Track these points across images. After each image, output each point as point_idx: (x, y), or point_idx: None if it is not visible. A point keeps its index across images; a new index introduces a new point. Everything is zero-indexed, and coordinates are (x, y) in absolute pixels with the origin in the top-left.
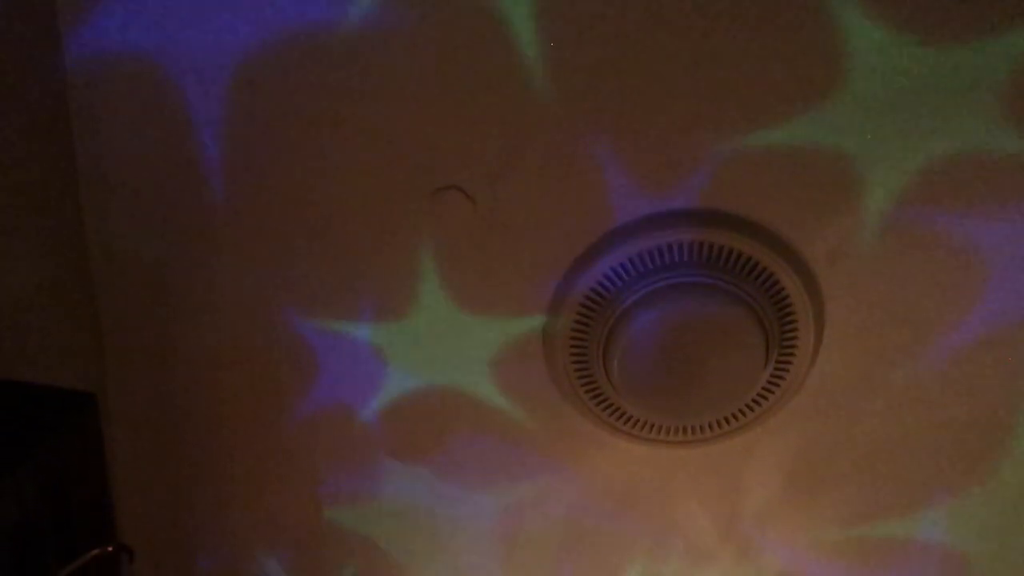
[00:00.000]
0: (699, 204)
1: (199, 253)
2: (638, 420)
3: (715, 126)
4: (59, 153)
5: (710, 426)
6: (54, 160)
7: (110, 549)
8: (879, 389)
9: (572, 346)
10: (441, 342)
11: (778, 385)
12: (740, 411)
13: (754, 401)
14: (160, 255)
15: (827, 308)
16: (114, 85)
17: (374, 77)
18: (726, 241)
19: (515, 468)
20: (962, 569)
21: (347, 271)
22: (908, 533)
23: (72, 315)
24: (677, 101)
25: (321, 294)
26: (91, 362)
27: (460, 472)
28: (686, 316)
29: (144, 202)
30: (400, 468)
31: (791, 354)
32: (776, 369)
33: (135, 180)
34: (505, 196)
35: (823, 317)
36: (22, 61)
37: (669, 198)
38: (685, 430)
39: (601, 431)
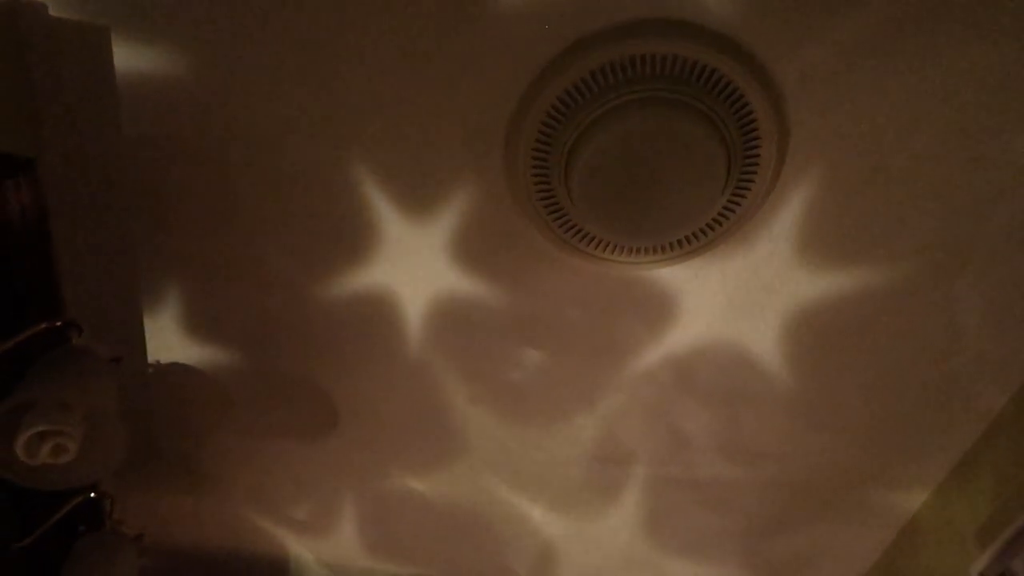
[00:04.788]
0: (669, 14)
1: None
2: (593, 238)
3: None
4: None
5: (663, 248)
6: None
7: (58, 323)
8: (832, 221)
9: (534, 160)
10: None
11: (733, 211)
12: (694, 234)
13: (708, 226)
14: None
15: (791, 134)
16: None
17: None
18: (696, 56)
19: (465, 280)
20: None
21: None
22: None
23: (5, 76)
24: None
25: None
26: (27, 127)
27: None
28: (650, 131)
29: None
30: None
31: (750, 179)
32: (734, 193)
33: None
34: (469, 3)
35: (787, 143)
36: None
37: (638, 5)
38: (638, 251)
39: (555, 248)
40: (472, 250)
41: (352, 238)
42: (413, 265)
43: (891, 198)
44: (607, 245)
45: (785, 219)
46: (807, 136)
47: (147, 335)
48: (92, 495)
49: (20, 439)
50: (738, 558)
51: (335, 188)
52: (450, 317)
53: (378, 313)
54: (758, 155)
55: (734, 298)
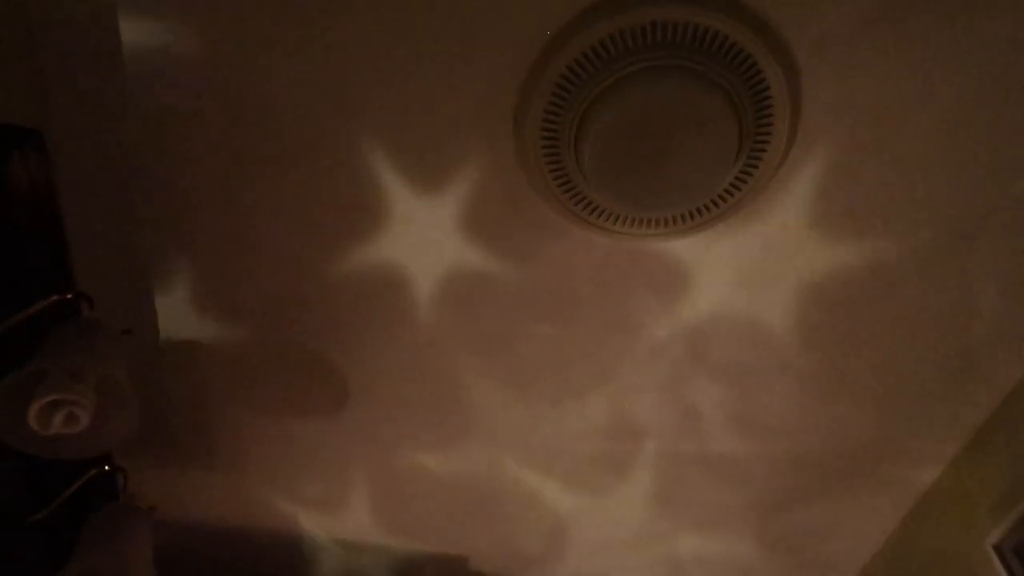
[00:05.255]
0: None
1: None
2: (604, 210)
3: None
4: None
5: (674, 219)
6: None
7: (69, 296)
8: (845, 193)
9: (543, 130)
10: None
11: (745, 182)
12: (705, 206)
13: (720, 197)
14: None
15: (804, 105)
16: None
17: None
18: (709, 22)
19: (475, 254)
20: None
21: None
22: None
23: (12, 50)
24: None
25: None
26: (34, 100)
27: None
28: (662, 100)
29: None
30: None
31: (763, 149)
32: (746, 164)
33: None
34: None
35: (799, 114)
36: None
37: None
38: (649, 222)
39: (565, 220)
40: (481, 224)
41: (361, 213)
42: (422, 239)
43: (905, 170)
44: (618, 217)
45: (798, 191)
46: (821, 106)
47: (159, 313)
48: (106, 468)
49: (33, 408)
50: (751, 533)
51: (343, 162)
52: (460, 292)
53: (388, 288)
54: (771, 125)
55: (746, 271)
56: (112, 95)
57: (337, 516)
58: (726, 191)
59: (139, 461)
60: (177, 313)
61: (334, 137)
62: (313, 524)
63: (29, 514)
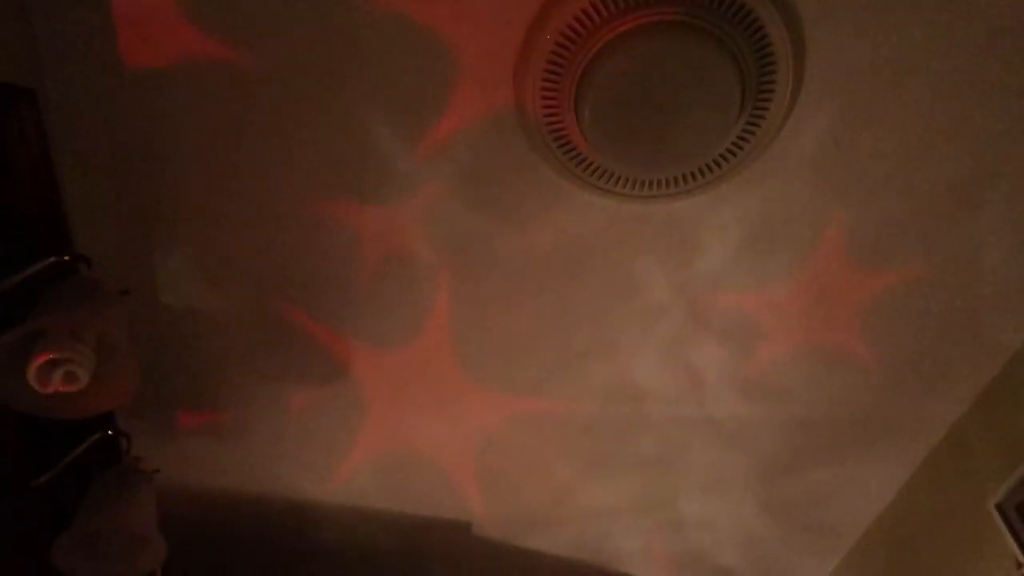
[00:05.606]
0: None
1: None
2: (605, 171)
3: None
4: None
5: (676, 180)
6: None
7: (66, 257)
8: (846, 152)
9: (543, 90)
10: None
11: (748, 141)
12: (708, 166)
13: (722, 156)
14: None
15: (808, 60)
16: None
17: None
18: None
19: (475, 217)
20: None
21: None
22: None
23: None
24: None
25: None
26: (26, 59)
27: None
28: (661, 56)
29: None
30: None
31: (765, 107)
32: (749, 121)
33: None
34: None
35: (803, 72)
36: None
37: None
38: (651, 184)
39: (567, 183)
40: (482, 187)
41: (359, 174)
42: (422, 202)
43: (911, 126)
44: (619, 179)
45: (801, 150)
46: (824, 62)
47: (160, 281)
48: (109, 433)
49: (32, 367)
50: (753, 496)
51: (341, 123)
52: (461, 255)
53: (389, 252)
54: (774, 82)
55: (749, 231)
56: (105, 56)
57: (341, 483)
58: (729, 150)
59: (142, 427)
60: (178, 282)
61: (331, 98)
62: (317, 491)
63: (33, 479)
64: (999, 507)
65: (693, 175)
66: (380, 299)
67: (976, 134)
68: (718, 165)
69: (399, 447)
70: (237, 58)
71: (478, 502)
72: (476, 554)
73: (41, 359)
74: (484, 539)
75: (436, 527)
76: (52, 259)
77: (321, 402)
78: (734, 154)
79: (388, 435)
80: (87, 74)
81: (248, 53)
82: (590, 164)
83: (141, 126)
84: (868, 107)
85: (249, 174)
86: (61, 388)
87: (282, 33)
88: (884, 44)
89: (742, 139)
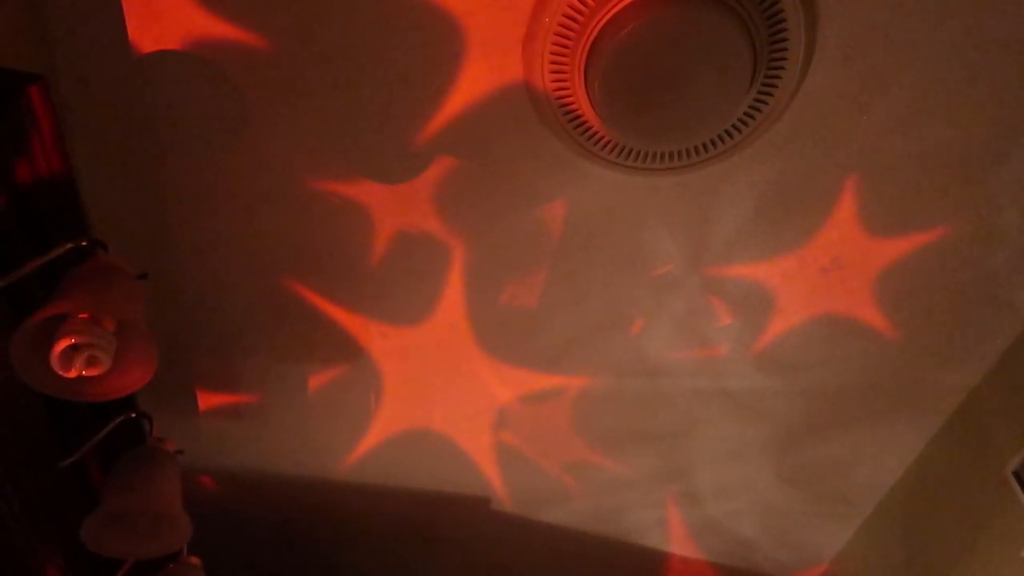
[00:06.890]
0: None
1: None
2: (616, 144)
3: None
4: None
5: (687, 152)
6: None
7: (83, 243)
8: (861, 118)
9: (552, 63)
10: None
11: (759, 111)
12: (720, 137)
13: (733, 127)
14: None
15: (819, 28)
16: None
17: None
18: None
19: (488, 193)
20: None
21: None
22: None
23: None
24: None
25: None
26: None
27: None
28: (672, 25)
29: None
30: None
31: (777, 75)
32: (760, 91)
33: None
34: None
35: (815, 38)
36: None
37: None
38: (663, 156)
39: (578, 157)
40: (492, 162)
41: (370, 152)
42: (434, 179)
43: (925, 89)
44: (630, 152)
45: (813, 120)
46: (836, 26)
47: (177, 263)
48: (132, 415)
49: (54, 352)
50: (770, 466)
51: (350, 100)
52: (473, 231)
53: (402, 229)
54: (785, 48)
55: (763, 202)
56: (114, 41)
57: (359, 461)
58: (741, 120)
59: (163, 409)
60: (193, 259)
61: (336, 73)
62: (337, 468)
63: (58, 461)
64: (1016, 474)
65: (705, 146)
66: (395, 277)
67: (992, 93)
68: (730, 135)
69: (417, 424)
70: (246, 37)
71: (496, 477)
72: (495, 529)
73: (63, 344)
74: (503, 514)
75: (455, 503)
76: (69, 244)
77: (339, 381)
78: (746, 124)
79: (406, 413)
80: (98, 58)
81: (256, 31)
82: (601, 137)
83: (153, 109)
84: (881, 71)
85: (261, 154)
86: (84, 372)
87: (290, 10)
88: (897, 4)
89: (754, 108)
